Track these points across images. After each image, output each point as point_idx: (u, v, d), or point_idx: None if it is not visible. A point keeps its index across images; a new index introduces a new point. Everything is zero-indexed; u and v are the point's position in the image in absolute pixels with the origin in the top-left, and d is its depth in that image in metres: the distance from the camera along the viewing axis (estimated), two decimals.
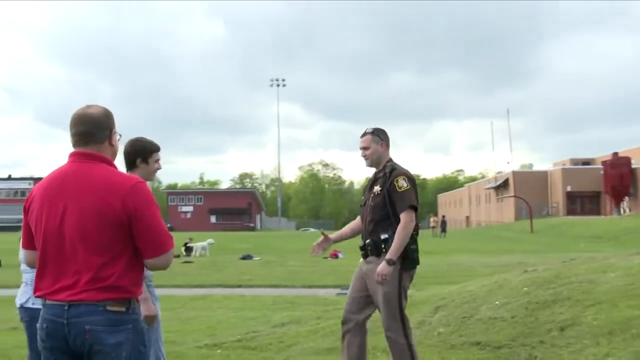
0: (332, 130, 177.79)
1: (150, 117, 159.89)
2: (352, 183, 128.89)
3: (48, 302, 2.81)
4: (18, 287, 4.36)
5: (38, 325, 2.85)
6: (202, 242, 26.53)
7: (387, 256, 4.59)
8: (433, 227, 49.78)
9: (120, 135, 3.10)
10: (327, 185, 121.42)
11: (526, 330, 5.95)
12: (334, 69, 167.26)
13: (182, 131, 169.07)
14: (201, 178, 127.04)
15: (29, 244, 2.99)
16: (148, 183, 4.20)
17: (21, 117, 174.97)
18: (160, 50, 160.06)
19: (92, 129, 2.93)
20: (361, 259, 5.02)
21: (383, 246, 4.68)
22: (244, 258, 23.74)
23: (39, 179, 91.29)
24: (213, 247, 27.62)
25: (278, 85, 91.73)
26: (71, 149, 2.98)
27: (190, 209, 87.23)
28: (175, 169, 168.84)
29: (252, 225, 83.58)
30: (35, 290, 2.88)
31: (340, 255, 24.23)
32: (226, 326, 8.69)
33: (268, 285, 14.75)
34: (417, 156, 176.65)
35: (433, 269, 18.16)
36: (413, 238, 4.72)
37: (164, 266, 2.97)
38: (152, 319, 4.09)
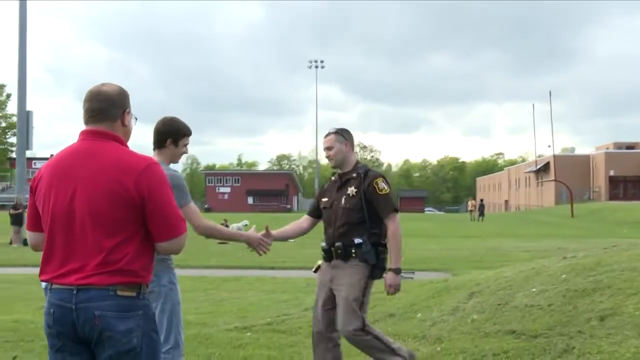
0: (371, 112, 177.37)
1: (189, 98, 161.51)
2: (390, 165, 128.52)
3: (55, 286, 2.70)
4: None
5: (45, 310, 2.75)
6: (237, 224, 26.57)
7: (393, 266, 4.54)
8: (471, 211, 49.22)
9: (136, 119, 3.00)
10: None
11: (564, 320, 5.73)
12: (373, 50, 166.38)
13: (221, 113, 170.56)
14: (239, 159, 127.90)
15: (34, 225, 2.89)
16: (178, 165, 4.11)
17: (63, 98, 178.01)
18: (198, 32, 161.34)
19: (105, 106, 2.82)
20: (320, 262, 4.81)
21: (354, 251, 4.47)
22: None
23: None
24: (248, 229, 27.68)
25: (317, 67, 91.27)
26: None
27: (228, 190, 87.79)
28: (214, 150, 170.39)
29: (288, 206, 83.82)
30: (41, 273, 2.78)
31: None
32: (257, 308, 8.63)
33: (301, 267, 14.63)
34: (456, 139, 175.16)
35: (470, 253, 17.91)
36: (385, 246, 4.55)
37: (177, 250, 2.87)
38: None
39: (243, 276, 12.91)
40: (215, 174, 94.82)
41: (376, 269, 4.50)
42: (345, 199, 4.57)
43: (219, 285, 11.45)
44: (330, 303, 4.63)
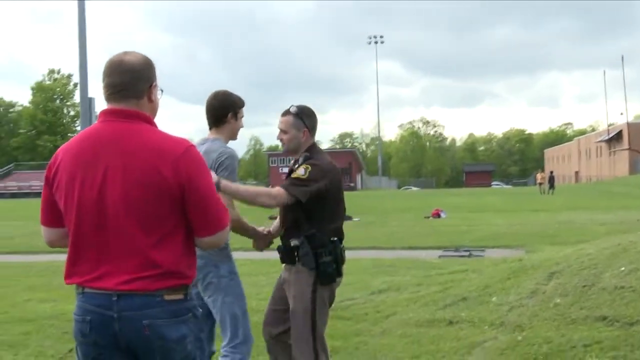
0: (433, 87, 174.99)
1: (251, 80, 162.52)
2: (454, 140, 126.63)
3: (89, 290, 2.34)
4: None
5: (76, 317, 2.37)
6: None
7: (222, 181, 3.46)
8: (540, 184, 47.65)
9: (162, 91, 2.56)
10: (428, 143, 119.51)
11: None
12: (434, 23, 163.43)
13: (283, 93, 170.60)
14: None
15: (51, 220, 2.50)
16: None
17: None
18: (257, 13, 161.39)
19: (129, 80, 2.40)
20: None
21: (296, 253, 3.76)
22: None
23: None
24: None
25: (376, 43, 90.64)
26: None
27: None
28: (277, 131, 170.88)
29: (352, 185, 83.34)
30: (69, 275, 2.39)
31: (442, 215, 23.38)
32: None
33: (368, 247, 14.22)
34: (522, 110, 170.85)
35: (542, 228, 17.10)
36: (331, 247, 3.74)
37: (218, 245, 2.51)
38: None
39: None
40: (278, 155, 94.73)
41: (322, 274, 3.72)
42: None
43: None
44: (280, 303, 3.97)
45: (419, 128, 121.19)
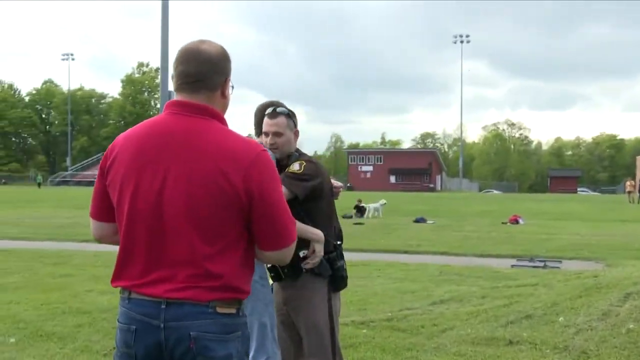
0: (521, 88, 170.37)
1: (335, 77, 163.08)
2: (539, 144, 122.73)
3: (135, 295, 2.13)
4: None
5: (121, 325, 2.17)
6: (374, 203, 25.97)
7: None
8: (629, 192, 45.40)
9: (233, 87, 2.33)
10: (512, 146, 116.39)
11: None
12: (523, 22, 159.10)
13: (366, 91, 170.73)
14: (382, 138, 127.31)
15: (101, 214, 2.28)
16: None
17: None
18: (344, 11, 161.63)
19: (206, 71, 2.18)
20: (271, 283, 3.68)
21: (303, 264, 3.37)
22: (417, 221, 22.82)
23: None
24: (388, 208, 27.04)
25: (462, 42, 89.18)
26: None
27: (370, 168, 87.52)
28: (359, 129, 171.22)
29: (431, 185, 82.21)
30: (116, 277, 2.19)
31: (521, 221, 22.53)
32: (380, 299, 7.94)
33: (437, 252, 13.78)
34: (615, 115, 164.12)
35: (628, 240, 16.15)
36: (339, 251, 3.49)
37: (283, 261, 2.27)
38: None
39: (373, 261, 12.24)
40: (358, 153, 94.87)
41: (335, 280, 3.46)
42: None
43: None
44: (291, 329, 3.62)
45: (503, 130, 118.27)
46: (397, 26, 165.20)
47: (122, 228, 2.16)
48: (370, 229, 19.80)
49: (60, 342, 5.83)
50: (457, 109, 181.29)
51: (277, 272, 3.50)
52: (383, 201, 26.18)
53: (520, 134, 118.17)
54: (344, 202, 33.75)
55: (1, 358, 5.41)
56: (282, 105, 3.60)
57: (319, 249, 3.28)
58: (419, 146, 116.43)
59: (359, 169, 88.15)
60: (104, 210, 2.26)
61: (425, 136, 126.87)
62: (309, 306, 3.45)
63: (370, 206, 25.77)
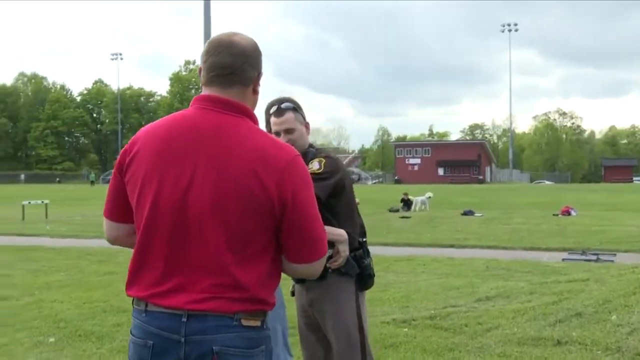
0: (573, 76, 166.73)
1: (381, 69, 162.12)
2: (592, 133, 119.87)
3: (152, 307, 1.94)
4: None
5: (135, 339, 1.99)
6: (420, 197, 25.62)
7: None
8: None
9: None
10: (564, 136, 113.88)
11: None
12: (573, 9, 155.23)
13: (413, 83, 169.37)
14: (430, 130, 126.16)
15: (117, 213, 2.11)
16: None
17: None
18: (389, 2, 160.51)
19: (240, 64, 2.02)
20: (293, 285, 3.49)
21: (327, 265, 3.16)
22: (465, 214, 22.41)
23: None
24: (435, 201, 26.69)
25: (510, 31, 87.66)
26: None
27: (418, 161, 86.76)
28: (406, 122, 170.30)
29: (480, 177, 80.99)
30: (130, 285, 2.01)
31: (573, 213, 21.91)
32: (423, 296, 7.71)
33: (484, 246, 13.44)
34: None
35: None
36: (366, 249, 3.33)
37: (312, 275, 2.10)
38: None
39: (418, 255, 12.00)
40: (405, 145, 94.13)
41: (362, 279, 3.30)
42: None
43: (389, 267, 10.64)
44: (318, 331, 3.44)
45: (554, 119, 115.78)
46: (444, 16, 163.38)
47: (140, 229, 1.98)
48: (417, 223, 19.51)
49: (98, 342, 5.81)
50: (506, 99, 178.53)
51: None
52: (429, 194, 25.82)
53: (572, 123, 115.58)
54: (390, 196, 33.49)
55: (40, 358, 5.41)
56: (287, 100, 3.39)
57: (344, 249, 3.11)
58: (467, 138, 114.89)
59: (406, 162, 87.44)
60: (120, 209, 2.10)
61: (473, 127, 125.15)
62: (336, 307, 3.28)
63: (417, 199, 25.44)
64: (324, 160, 3.22)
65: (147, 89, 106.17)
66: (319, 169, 3.19)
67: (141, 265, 1.98)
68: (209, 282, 1.90)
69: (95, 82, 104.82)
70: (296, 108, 3.36)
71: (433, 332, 5.87)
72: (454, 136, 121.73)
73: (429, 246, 13.74)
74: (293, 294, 3.53)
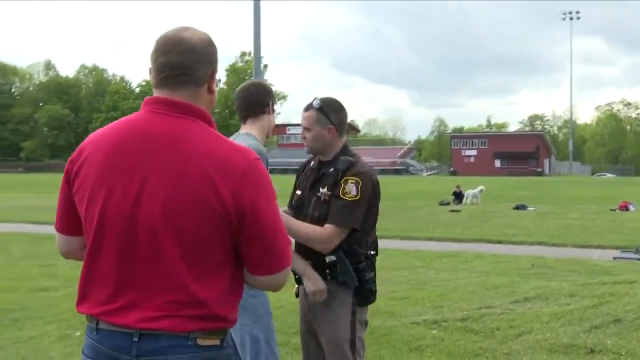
0: None
1: (438, 59, 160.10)
2: None
3: (104, 326, 1.82)
4: None
5: (86, 358, 1.89)
6: (473, 190, 25.10)
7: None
8: None
9: (220, 80, 2.02)
10: (628, 127, 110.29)
11: None
12: None
13: (471, 73, 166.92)
14: (488, 121, 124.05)
15: (67, 226, 1.97)
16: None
17: (319, 65, 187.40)
18: None
19: (190, 62, 1.86)
20: (296, 287, 3.34)
21: (328, 271, 3.07)
22: (517, 208, 21.86)
23: None
24: (488, 195, 26.13)
25: (571, 19, 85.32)
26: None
27: (474, 152, 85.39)
28: (463, 112, 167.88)
29: (539, 170, 79.19)
30: (80, 302, 1.89)
31: (632, 208, 21.13)
32: (460, 296, 7.48)
33: (532, 243, 13.01)
34: None
35: None
36: (370, 262, 3.14)
37: (277, 287, 1.95)
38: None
39: (462, 251, 11.71)
40: (461, 137, 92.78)
41: (362, 293, 3.12)
42: (315, 203, 3.17)
43: (430, 262, 10.41)
44: (317, 337, 3.29)
45: (618, 110, 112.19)
46: (503, 4, 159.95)
47: (88, 243, 1.86)
48: (466, 217, 19.11)
49: None
50: (568, 89, 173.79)
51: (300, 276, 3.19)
52: (481, 187, 25.29)
53: (638, 114, 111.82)
54: (443, 188, 33.02)
55: (63, 352, 5.43)
56: (322, 100, 3.23)
57: (307, 285, 3.05)
58: (526, 129, 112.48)
59: (463, 153, 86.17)
60: (70, 222, 1.97)
61: (533, 118, 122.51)
62: (330, 318, 3.13)
63: (468, 192, 24.98)
64: (361, 182, 3.06)
65: None
66: (356, 196, 3.04)
67: (91, 281, 1.86)
68: (163, 299, 1.77)
69: None
70: (323, 109, 3.20)
71: (462, 336, 5.65)
72: (513, 127, 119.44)
73: (475, 242, 13.41)
74: (297, 295, 3.40)
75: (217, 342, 1.83)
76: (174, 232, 1.75)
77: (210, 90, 1.93)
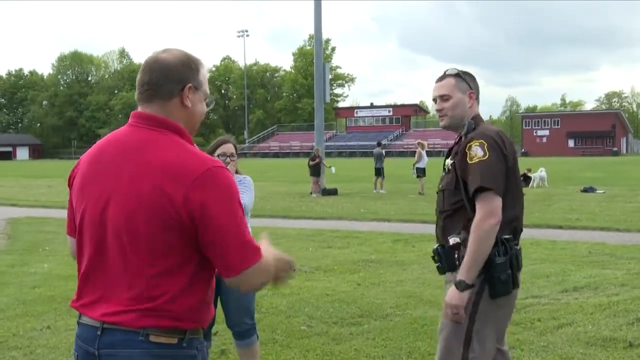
0: None
1: (512, 35, 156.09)
2: None
3: (81, 318, 2.04)
4: None
5: (73, 351, 2.10)
6: (540, 172, 24.53)
7: (458, 276, 2.80)
8: None
9: (215, 100, 2.22)
10: None
11: None
12: None
13: (546, 49, 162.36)
14: (562, 99, 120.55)
15: (72, 229, 2.18)
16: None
17: (388, 45, 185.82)
18: None
19: (157, 80, 2.04)
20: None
21: (456, 256, 2.83)
22: (585, 190, 21.23)
23: (400, 106, 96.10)
24: (557, 176, 25.51)
25: None
26: None
27: (546, 133, 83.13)
28: (536, 91, 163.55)
29: (615, 149, 76.47)
30: (76, 297, 2.08)
31: None
32: None
33: (596, 228, 12.64)
34: None
35: None
36: (504, 243, 2.83)
37: (250, 288, 2.07)
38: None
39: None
40: (533, 117, 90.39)
41: (492, 281, 2.83)
42: (443, 176, 3.05)
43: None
44: None
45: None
46: None
47: (76, 244, 2.12)
48: (531, 201, 18.62)
49: None
50: None
51: (438, 264, 2.97)
52: (542, 169, 24.58)
53: None
54: None
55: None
56: (456, 69, 3.16)
57: (447, 293, 2.85)
58: (603, 107, 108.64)
59: (534, 134, 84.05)
60: (74, 225, 2.18)
61: (610, 96, 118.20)
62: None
63: (535, 175, 24.42)
64: (486, 144, 2.88)
65: (273, 64, 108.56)
66: (484, 156, 2.84)
67: (81, 279, 2.08)
68: (126, 295, 1.94)
69: (223, 59, 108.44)
70: (461, 75, 3.12)
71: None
72: (589, 105, 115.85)
73: (535, 227, 13.05)
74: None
75: (173, 341, 1.94)
76: (133, 235, 1.93)
77: (183, 105, 2.06)
